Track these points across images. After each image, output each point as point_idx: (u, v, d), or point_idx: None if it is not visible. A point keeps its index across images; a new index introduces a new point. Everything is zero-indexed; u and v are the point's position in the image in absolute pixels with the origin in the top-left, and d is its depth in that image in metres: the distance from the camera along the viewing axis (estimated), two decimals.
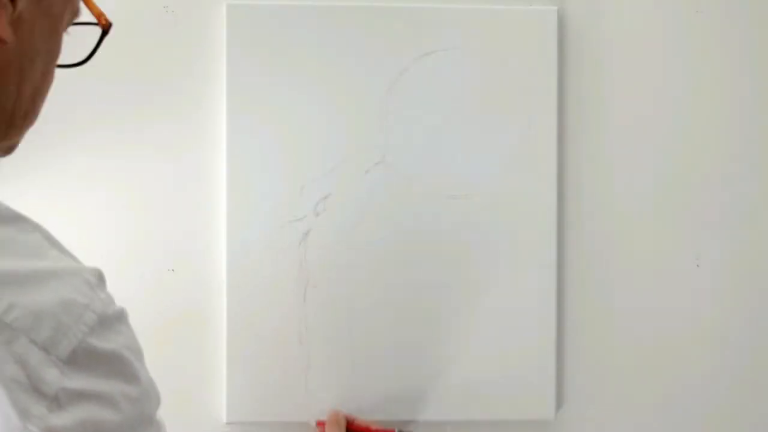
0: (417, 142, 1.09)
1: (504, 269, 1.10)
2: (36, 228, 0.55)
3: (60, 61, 0.64)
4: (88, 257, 1.13)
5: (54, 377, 0.52)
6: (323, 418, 1.05)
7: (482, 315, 1.10)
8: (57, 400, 0.52)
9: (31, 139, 0.62)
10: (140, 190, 1.08)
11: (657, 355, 1.13)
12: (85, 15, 0.64)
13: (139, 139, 1.08)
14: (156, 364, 1.15)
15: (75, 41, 0.66)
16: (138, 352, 0.58)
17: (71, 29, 0.65)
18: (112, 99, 1.07)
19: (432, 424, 1.11)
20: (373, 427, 1.04)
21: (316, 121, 1.08)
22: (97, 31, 0.71)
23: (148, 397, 0.58)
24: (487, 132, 1.09)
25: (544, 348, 1.10)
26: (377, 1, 1.09)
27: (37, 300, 0.52)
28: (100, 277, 0.57)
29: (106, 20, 0.64)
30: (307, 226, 1.08)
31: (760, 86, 1.13)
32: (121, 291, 1.15)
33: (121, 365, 0.56)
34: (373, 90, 1.08)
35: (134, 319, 1.12)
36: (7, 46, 0.57)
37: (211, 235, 1.08)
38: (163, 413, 0.65)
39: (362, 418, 1.06)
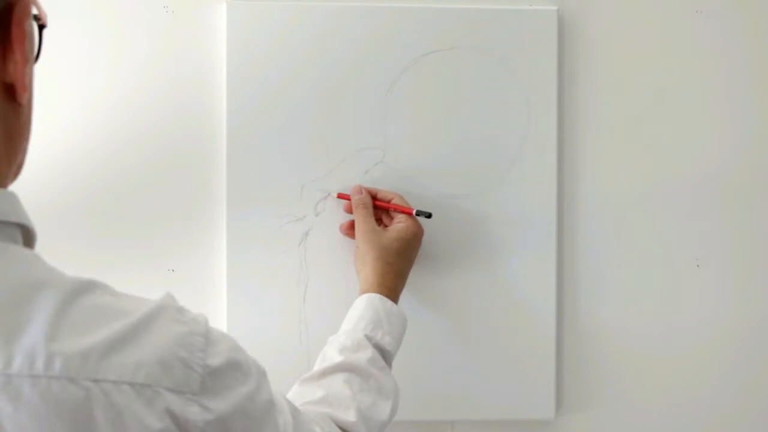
0: (417, 142, 1.09)
1: (504, 269, 1.10)
2: (100, 286, 0.58)
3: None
4: (88, 257, 1.13)
5: (196, 414, 0.56)
6: (345, 192, 1.06)
7: (482, 315, 1.10)
8: (209, 429, 0.56)
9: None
10: (140, 190, 1.08)
11: (657, 355, 1.13)
12: None
13: (137, 139, 1.07)
14: None
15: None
16: (234, 343, 0.62)
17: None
18: (112, 99, 1.07)
19: (432, 424, 1.11)
20: (393, 203, 1.04)
21: (316, 121, 1.08)
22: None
23: (259, 377, 0.63)
24: (487, 132, 1.09)
25: (544, 348, 1.10)
26: (377, 1, 1.09)
27: (155, 349, 0.55)
28: (174, 299, 0.60)
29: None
30: (307, 226, 1.08)
31: (760, 86, 1.13)
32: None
33: (235, 369, 0.60)
34: (373, 90, 1.08)
35: None
36: (24, 107, 0.59)
37: (211, 234, 1.08)
38: None
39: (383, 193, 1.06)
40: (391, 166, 1.08)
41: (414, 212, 1.02)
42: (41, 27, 0.63)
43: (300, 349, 1.08)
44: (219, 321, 1.07)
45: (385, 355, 0.94)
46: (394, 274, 0.99)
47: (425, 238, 1.07)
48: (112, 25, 1.07)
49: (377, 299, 0.96)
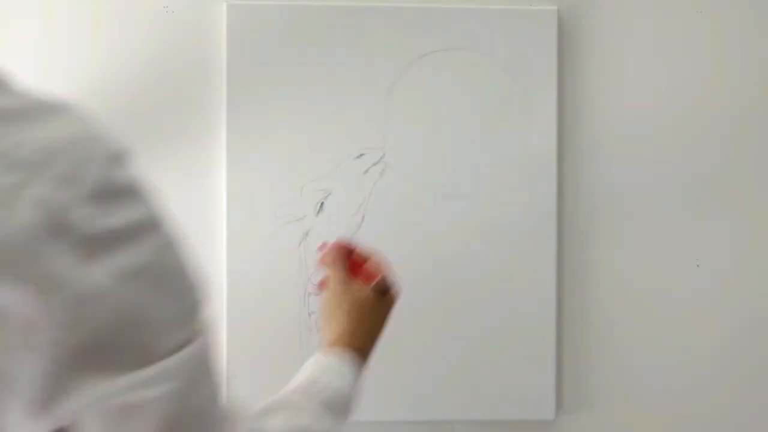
0: (417, 142, 1.09)
1: (504, 269, 1.10)
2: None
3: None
4: None
5: (82, 218, 0.44)
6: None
7: (482, 315, 1.10)
8: (88, 248, 0.44)
9: None
10: None
11: (657, 356, 1.13)
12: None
13: (137, 140, 1.08)
14: None
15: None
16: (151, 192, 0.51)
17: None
18: (111, 99, 1.07)
19: (432, 424, 1.11)
20: (367, 266, 0.97)
21: (316, 121, 1.08)
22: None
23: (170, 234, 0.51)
24: (487, 132, 1.09)
25: (544, 348, 1.10)
26: (377, 1, 1.09)
27: (45, 135, 0.44)
28: (89, 114, 0.49)
29: None
30: (307, 226, 1.08)
31: (760, 86, 1.13)
32: None
33: (142, 205, 0.49)
34: (373, 90, 1.08)
35: None
36: None
37: (211, 235, 1.08)
38: None
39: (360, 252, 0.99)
40: (391, 166, 1.09)
41: (379, 279, 0.95)
42: None
43: (300, 350, 1.08)
44: (219, 321, 1.07)
45: (330, 404, 0.82)
46: (366, 328, 0.92)
47: (424, 238, 1.07)
48: (112, 25, 1.07)
49: (321, 358, 0.88)
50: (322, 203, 1.08)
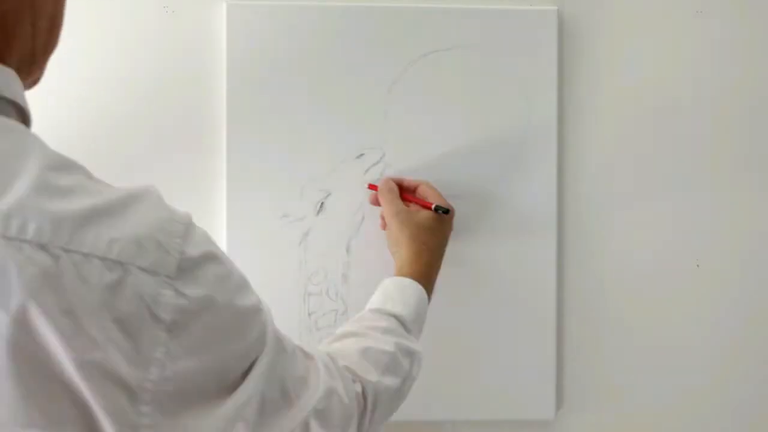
0: (417, 142, 1.09)
1: (504, 269, 1.10)
2: (82, 169, 0.56)
3: None
4: None
5: (170, 298, 0.53)
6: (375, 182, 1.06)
7: (482, 314, 1.10)
8: (176, 323, 0.53)
9: None
10: None
11: (657, 355, 1.13)
12: None
13: (137, 140, 1.08)
14: None
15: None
16: (214, 243, 0.60)
17: None
18: (111, 98, 1.07)
19: (432, 424, 1.11)
20: (417, 196, 1.04)
21: (316, 121, 1.08)
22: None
23: (241, 281, 0.61)
24: (487, 132, 1.09)
25: (544, 348, 1.10)
26: (377, 1, 1.09)
27: (132, 228, 0.53)
28: (158, 190, 0.58)
29: None
30: (307, 226, 1.08)
31: (760, 87, 1.13)
32: None
33: (214, 263, 0.57)
34: (373, 90, 1.08)
35: None
36: None
37: (211, 235, 1.08)
38: None
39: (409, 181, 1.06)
40: (391, 166, 1.08)
41: (433, 207, 1.01)
42: None
43: None
44: None
45: (399, 320, 0.90)
46: (429, 252, 0.98)
47: None
48: (112, 25, 1.07)
49: (387, 281, 0.94)
50: (322, 203, 1.08)
